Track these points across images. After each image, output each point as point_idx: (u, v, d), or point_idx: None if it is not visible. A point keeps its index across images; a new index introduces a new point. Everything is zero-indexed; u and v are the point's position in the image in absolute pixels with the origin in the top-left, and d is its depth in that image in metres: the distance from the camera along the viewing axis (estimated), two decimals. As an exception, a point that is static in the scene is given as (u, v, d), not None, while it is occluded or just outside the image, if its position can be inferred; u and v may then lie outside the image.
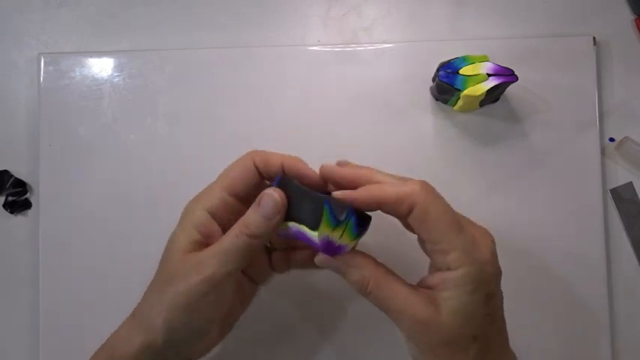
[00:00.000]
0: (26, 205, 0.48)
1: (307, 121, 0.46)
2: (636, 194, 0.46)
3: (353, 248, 0.35)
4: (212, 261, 0.33)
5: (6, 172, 0.48)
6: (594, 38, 0.46)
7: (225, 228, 0.35)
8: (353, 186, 0.34)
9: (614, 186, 0.46)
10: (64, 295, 0.46)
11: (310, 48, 0.47)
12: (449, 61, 0.41)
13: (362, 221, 0.35)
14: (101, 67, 0.47)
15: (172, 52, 0.48)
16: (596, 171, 0.45)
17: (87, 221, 0.46)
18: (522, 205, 0.45)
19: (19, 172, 0.48)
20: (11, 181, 0.48)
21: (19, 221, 0.48)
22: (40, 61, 0.47)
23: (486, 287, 0.32)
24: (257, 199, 0.34)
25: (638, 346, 0.44)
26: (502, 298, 0.34)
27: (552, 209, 0.45)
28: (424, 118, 0.46)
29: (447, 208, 0.32)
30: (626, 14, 0.48)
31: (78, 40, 0.49)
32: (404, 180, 0.34)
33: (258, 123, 0.46)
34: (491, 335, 0.33)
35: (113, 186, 0.47)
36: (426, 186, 0.32)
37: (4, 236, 0.48)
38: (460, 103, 0.42)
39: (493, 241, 0.34)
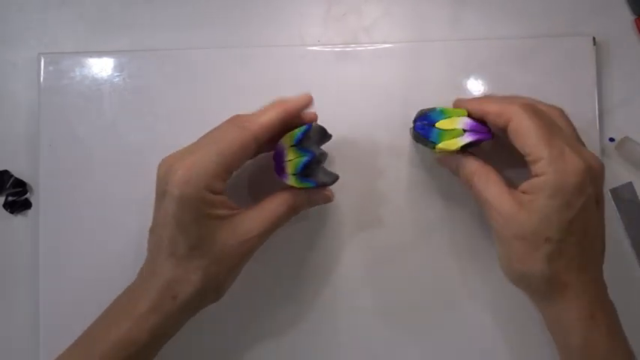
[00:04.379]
0: (26, 205, 0.48)
1: (307, 121, 0.46)
2: (636, 194, 0.46)
3: (294, 187, 0.39)
4: (261, 238, 0.39)
5: (6, 172, 0.48)
6: (594, 38, 0.46)
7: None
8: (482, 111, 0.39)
9: (614, 186, 0.46)
10: (64, 295, 0.46)
11: (310, 48, 0.47)
12: (427, 111, 0.41)
13: (313, 173, 0.39)
14: (101, 67, 0.47)
15: (172, 52, 0.48)
16: (596, 171, 0.45)
17: (87, 221, 0.46)
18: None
19: (19, 172, 0.48)
20: (11, 181, 0.48)
21: (19, 221, 0.48)
22: (40, 61, 0.47)
23: (565, 196, 0.34)
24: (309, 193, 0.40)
25: (638, 346, 0.44)
26: (591, 218, 0.36)
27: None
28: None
29: (541, 124, 0.36)
30: (626, 14, 0.48)
31: (78, 40, 0.49)
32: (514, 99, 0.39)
33: (258, 123, 0.46)
34: (566, 244, 0.35)
35: (113, 186, 0.46)
36: (526, 106, 0.37)
37: (4, 236, 0.48)
38: (436, 151, 0.42)
39: (590, 166, 0.35)
